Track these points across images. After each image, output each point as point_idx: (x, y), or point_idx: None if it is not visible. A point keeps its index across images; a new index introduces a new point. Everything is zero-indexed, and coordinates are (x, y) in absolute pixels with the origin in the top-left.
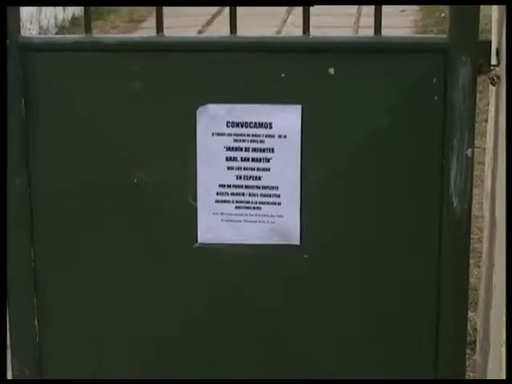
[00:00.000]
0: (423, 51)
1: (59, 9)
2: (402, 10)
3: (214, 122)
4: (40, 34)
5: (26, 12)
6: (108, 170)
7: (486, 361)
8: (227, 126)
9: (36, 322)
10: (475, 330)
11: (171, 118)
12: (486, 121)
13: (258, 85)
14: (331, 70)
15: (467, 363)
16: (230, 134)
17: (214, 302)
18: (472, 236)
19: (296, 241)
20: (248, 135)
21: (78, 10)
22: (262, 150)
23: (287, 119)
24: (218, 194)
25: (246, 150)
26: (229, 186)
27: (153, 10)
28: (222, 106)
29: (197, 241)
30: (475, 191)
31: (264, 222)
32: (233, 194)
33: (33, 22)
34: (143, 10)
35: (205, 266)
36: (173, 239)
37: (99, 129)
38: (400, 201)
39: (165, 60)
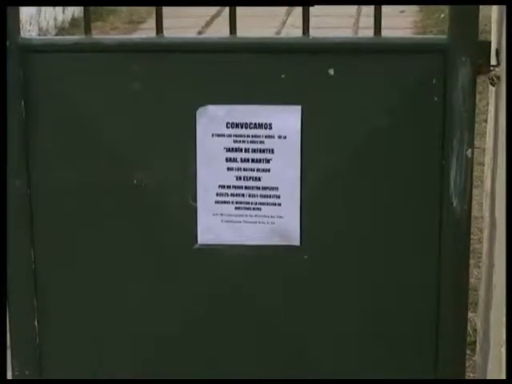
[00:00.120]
0: (423, 52)
1: (59, 10)
2: (402, 11)
3: (213, 123)
4: (40, 35)
5: (25, 13)
6: (108, 170)
7: (486, 361)
8: (227, 126)
9: (36, 322)
10: (475, 330)
11: (171, 118)
12: (486, 121)
13: (258, 86)
14: (331, 71)
15: (467, 364)
16: (229, 135)
17: (214, 302)
18: (472, 236)
19: (296, 241)
20: (248, 136)
21: (77, 12)
22: (262, 151)
23: (287, 120)
24: (217, 194)
25: (246, 150)
26: (229, 187)
27: (152, 11)
28: (222, 106)
29: (197, 241)
30: (475, 192)
31: (264, 222)
32: (233, 194)
33: (32, 24)
34: (143, 11)
35: (205, 266)
36: (173, 240)
37: (99, 130)
38: (400, 201)
39: (164, 61)
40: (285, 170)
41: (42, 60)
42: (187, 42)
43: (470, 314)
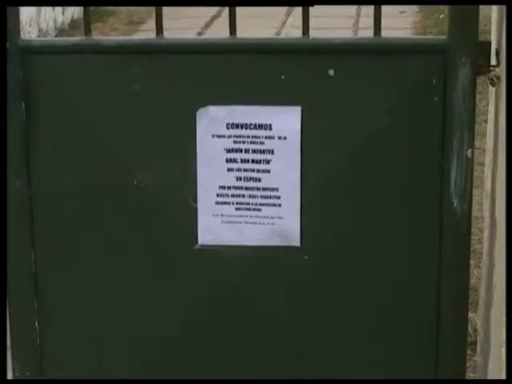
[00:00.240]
0: (423, 52)
1: (58, 11)
2: (402, 12)
3: (213, 124)
4: (39, 36)
5: (25, 15)
6: (108, 171)
7: (487, 361)
8: (227, 127)
9: (36, 323)
10: (476, 330)
11: (171, 119)
12: (486, 121)
13: (258, 86)
14: (331, 72)
15: (468, 364)
16: (229, 136)
17: (214, 303)
18: (472, 237)
19: (296, 242)
20: (248, 137)
21: (77, 13)
22: (262, 152)
23: (287, 121)
24: (218, 195)
25: (246, 151)
26: (229, 188)
27: (152, 12)
28: (222, 107)
29: (197, 242)
30: (475, 192)
31: (264, 223)
32: (233, 195)
33: (32, 25)
34: (143, 12)
35: (205, 267)
36: (173, 240)
37: (99, 130)
38: (400, 202)
39: (164, 62)
40: (285, 171)
41: (41, 61)
42: (187, 42)
43: (470, 314)
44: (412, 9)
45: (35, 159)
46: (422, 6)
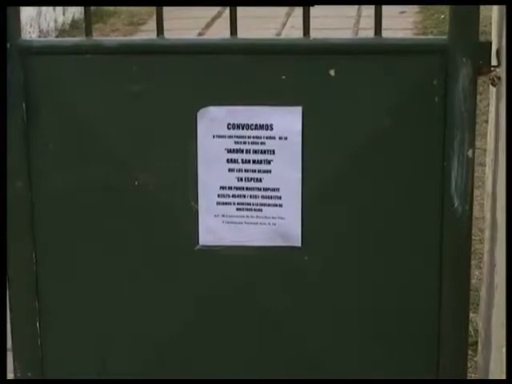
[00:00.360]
0: (423, 52)
1: (59, 12)
2: (402, 12)
3: (214, 124)
4: (40, 37)
5: (25, 15)
6: (109, 172)
7: (488, 362)
8: (228, 128)
9: (38, 324)
10: (476, 331)
11: (172, 120)
12: (487, 122)
13: (259, 87)
14: (332, 72)
15: (469, 364)
16: (230, 136)
17: (215, 303)
18: (473, 237)
19: (297, 242)
20: (249, 137)
21: (77, 14)
22: (263, 152)
23: (288, 121)
24: (219, 196)
25: (247, 151)
26: (230, 188)
27: (153, 12)
28: (223, 108)
29: (198, 242)
30: (476, 192)
31: (265, 223)
32: (234, 195)
33: (33, 26)
34: (143, 12)
35: (206, 267)
36: (174, 241)
37: (100, 131)
38: (401, 202)
39: (165, 62)
40: (286, 171)
41: (42, 62)
42: (188, 43)
43: (471, 315)
44: (412, 9)
45: (36, 160)
46: (423, 6)
